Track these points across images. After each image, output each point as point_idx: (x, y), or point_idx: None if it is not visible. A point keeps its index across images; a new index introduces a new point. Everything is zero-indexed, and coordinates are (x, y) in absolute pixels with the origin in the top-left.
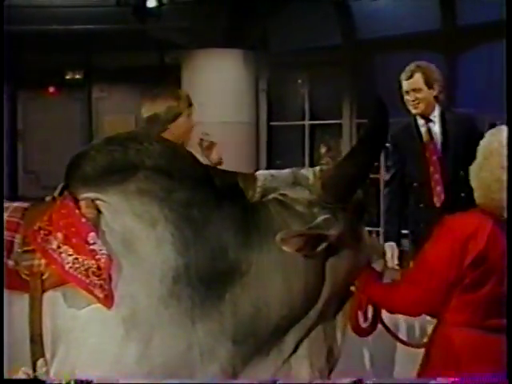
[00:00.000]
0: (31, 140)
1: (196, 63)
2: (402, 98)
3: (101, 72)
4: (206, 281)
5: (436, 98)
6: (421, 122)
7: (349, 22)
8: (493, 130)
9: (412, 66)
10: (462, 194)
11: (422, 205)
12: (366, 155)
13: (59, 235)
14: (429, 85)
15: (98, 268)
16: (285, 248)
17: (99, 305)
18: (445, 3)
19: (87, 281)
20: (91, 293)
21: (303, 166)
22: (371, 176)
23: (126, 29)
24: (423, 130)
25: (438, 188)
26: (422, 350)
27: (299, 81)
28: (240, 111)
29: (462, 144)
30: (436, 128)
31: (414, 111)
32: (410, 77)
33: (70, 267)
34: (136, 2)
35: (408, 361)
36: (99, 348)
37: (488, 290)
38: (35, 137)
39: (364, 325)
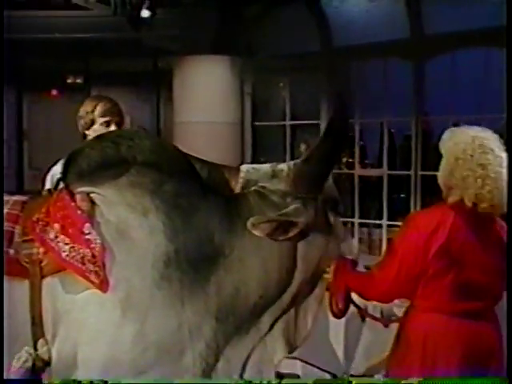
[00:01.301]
0: (36, 139)
1: (186, 68)
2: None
3: (99, 76)
4: (194, 264)
5: None
6: None
7: (326, 31)
8: (453, 129)
9: None
10: None
11: None
12: (328, 151)
13: (56, 226)
14: None
15: (93, 256)
16: (255, 232)
17: None
18: (413, 14)
19: (83, 268)
20: (87, 278)
21: (285, 162)
22: (347, 172)
23: (122, 37)
24: None
25: None
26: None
27: (281, 84)
28: (227, 112)
29: None
30: None
31: None
32: None
33: (67, 255)
34: (131, 12)
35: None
36: (97, 328)
37: (452, 278)
38: (39, 136)
39: (341, 307)
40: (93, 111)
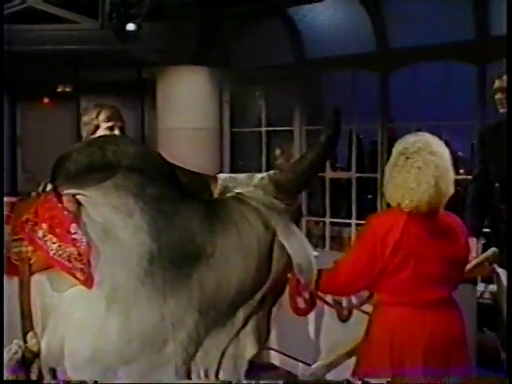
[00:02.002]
0: (29, 144)
1: (169, 78)
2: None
3: (88, 85)
4: (176, 262)
5: None
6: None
7: (299, 44)
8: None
9: (504, 66)
10: None
11: (502, 206)
12: (323, 156)
13: (44, 226)
14: None
15: (79, 254)
16: None
17: None
18: (378, 29)
19: (69, 265)
20: (73, 275)
21: (260, 165)
22: (319, 174)
23: (109, 49)
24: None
25: None
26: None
27: (257, 93)
28: (206, 119)
29: None
30: None
31: (501, 110)
32: (500, 76)
33: (54, 253)
34: (117, 26)
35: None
36: (84, 321)
37: (410, 272)
38: (32, 141)
39: (302, 306)
40: (97, 117)
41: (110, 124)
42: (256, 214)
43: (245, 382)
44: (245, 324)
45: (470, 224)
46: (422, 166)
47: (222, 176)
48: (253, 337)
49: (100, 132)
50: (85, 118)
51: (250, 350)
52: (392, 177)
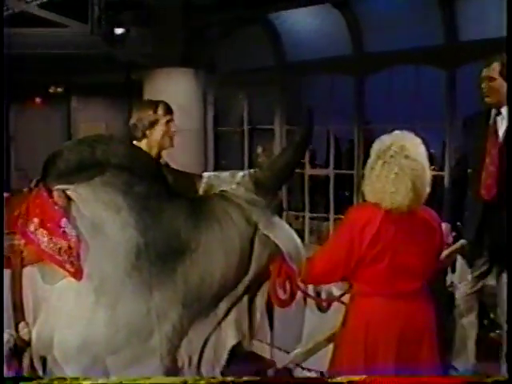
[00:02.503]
0: (21, 143)
1: (156, 80)
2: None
3: (78, 87)
4: (162, 256)
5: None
6: (493, 112)
7: (279, 48)
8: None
9: (494, 55)
10: None
11: (470, 193)
12: (298, 154)
13: (35, 220)
14: (504, 76)
15: (69, 247)
16: None
17: None
18: (354, 35)
19: (60, 258)
20: (63, 268)
21: (243, 163)
22: (299, 171)
23: (98, 52)
24: (491, 121)
25: (490, 181)
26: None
27: (240, 95)
28: (192, 119)
29: None
30: (503, 122)
31: (485, 100)
32: (488, 64)
33: (46, 247)
34: (106, 31)
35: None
36: (74, 313)
37: (386, 264)
38: (25, 140)
39: (283, 297)
40: (155, 112)
41: (167, 118)
42: (238, 211)
43: (229, 378)
44: (227, 314)
45: (446, 210)
46: (398, 172)
47: (206, 174)
48: (234, 327)
49: (159, 126)
50: (139, 114)
51: (230, 340)
52: (370, 180)
